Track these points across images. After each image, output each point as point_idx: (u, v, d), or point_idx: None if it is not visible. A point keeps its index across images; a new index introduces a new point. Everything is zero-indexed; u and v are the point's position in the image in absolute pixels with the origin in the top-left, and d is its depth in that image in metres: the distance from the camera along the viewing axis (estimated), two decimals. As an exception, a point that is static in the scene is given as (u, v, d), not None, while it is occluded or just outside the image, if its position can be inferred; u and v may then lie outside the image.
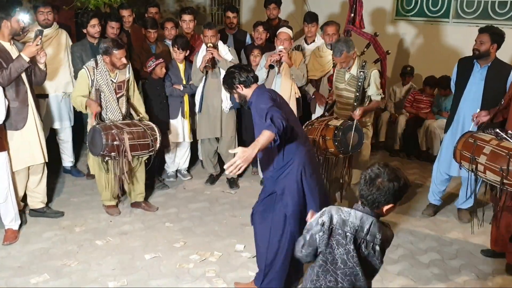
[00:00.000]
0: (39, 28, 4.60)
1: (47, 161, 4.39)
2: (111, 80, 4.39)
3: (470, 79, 4.28)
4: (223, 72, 4.97)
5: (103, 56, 4.35)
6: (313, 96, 5.26)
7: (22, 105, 4.11)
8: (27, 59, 3.96)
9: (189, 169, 5.73)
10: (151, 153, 4.48)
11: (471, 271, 3.84)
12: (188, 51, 5.14)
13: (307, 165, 3.15)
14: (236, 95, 3.32)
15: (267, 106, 2.94)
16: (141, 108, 4.73)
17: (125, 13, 5.53)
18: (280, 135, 2.83)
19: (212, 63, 4.91)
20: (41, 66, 4.17)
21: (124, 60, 4.35)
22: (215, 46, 4.91)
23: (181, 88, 5.16)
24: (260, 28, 5.39)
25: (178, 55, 5.08)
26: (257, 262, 3.47)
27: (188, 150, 5.55)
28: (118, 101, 4.46)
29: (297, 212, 3.15)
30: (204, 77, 5.05)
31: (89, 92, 4.38)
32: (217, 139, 5.35)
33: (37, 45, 3.95)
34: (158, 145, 4.46)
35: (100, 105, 4.36)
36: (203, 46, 5.04)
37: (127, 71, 4.52)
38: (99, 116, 4.34)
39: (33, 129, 4.22)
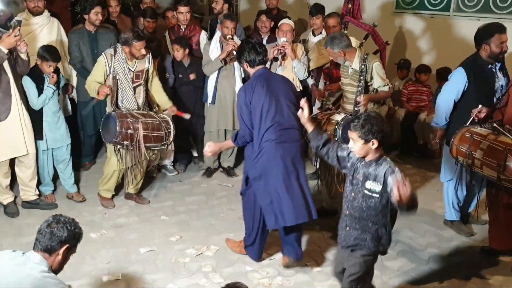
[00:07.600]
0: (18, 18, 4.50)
1: (33, 152, 4.30)
2: (128, 68, 4.35)
3: (497, 78, 4.08)
4: (236, 65, 4.94)
5: (123, 46, 4.30)
6: (311, 90, 5.20)
7: (4, 96, 4.04)
8: (6, 51, 3.90)
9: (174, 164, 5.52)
10: (163, 147, 4.47)
11: (471, 268, 3.80)
12: None
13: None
14: (243, 67, 3.72)
15: (241, 111, 3.48)
16: (162, 96, 4.63)
17: (112, 2, 5.41)
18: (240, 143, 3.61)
19: (230, 55, 4.88)
20: (23, 56, 4.10)
21: (143, 51, 4.30)
22: (233, 39, 4.88)
23: None
24: (264, 17, 5.38)
25: None
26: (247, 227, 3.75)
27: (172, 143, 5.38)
28: (135, 91, 4.40)
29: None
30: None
31: (104, 80, 4.33)
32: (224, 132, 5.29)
33: (15, 36, 3.88)
34: (171, 139, 4.44)
35: (117, 93, 4.32)
36: (216, 36, 5.02)
37: (146, 60, 4.47)
38: (115, 103, 4.32)
39: (17, 120, 4.13)
